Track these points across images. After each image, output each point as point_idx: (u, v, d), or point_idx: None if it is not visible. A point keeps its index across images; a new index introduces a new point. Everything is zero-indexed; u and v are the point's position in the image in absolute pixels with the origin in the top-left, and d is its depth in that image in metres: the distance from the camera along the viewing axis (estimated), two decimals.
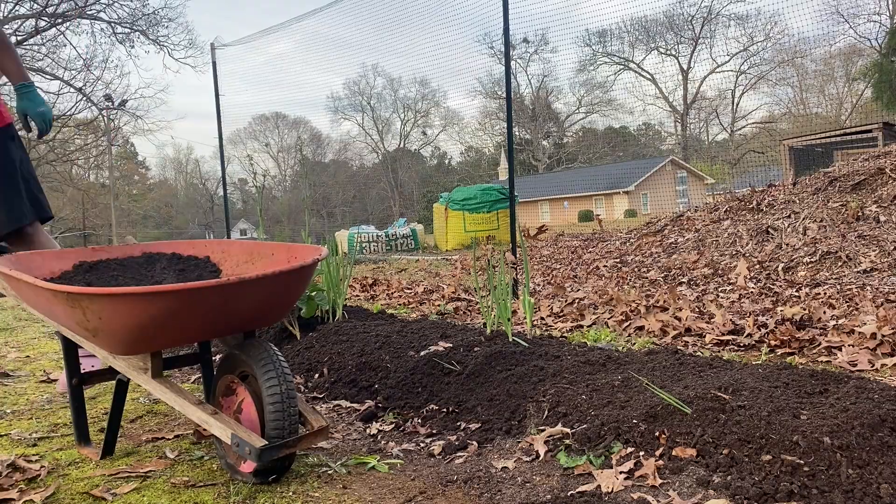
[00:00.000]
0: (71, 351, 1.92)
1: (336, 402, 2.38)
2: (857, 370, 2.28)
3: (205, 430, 1.66)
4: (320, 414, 1.77)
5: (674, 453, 1.52)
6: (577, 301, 4.13)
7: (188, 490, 1.61)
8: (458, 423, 1.99)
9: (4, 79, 2.64)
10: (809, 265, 4.77)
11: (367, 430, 2.07)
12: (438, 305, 4.36)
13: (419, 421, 2.08)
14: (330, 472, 1.70)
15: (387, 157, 54.32)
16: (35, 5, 19.45)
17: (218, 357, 2.03)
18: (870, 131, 11.93)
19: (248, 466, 1.63)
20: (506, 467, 1.67)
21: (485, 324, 2.66)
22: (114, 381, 1.95)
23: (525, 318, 2.73)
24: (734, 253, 5.64)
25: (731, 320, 3.01)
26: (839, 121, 33.01)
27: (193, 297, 1.50)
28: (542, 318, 3.71)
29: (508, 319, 2.47)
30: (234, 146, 54.38)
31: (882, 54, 21.61)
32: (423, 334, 2.72)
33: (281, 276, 1.61)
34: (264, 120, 55.32)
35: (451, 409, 2.07)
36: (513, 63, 5.21)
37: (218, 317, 1.59)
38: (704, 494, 1.37)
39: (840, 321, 2.88)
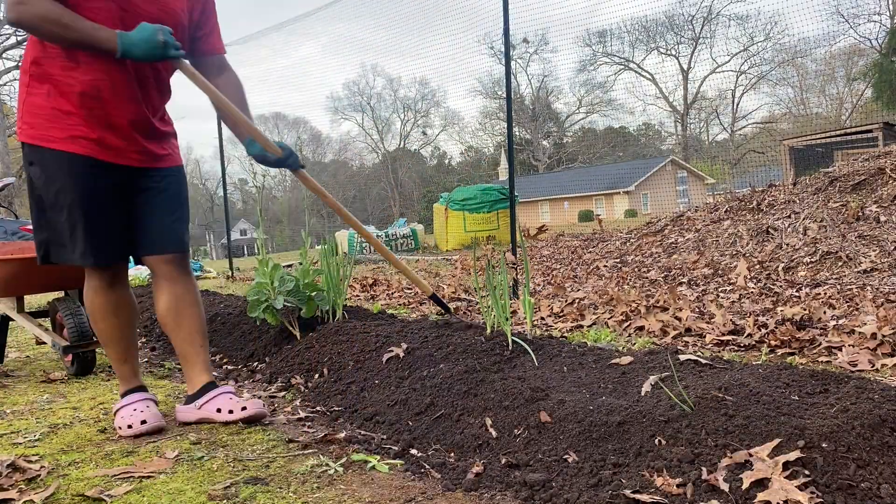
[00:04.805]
0: None
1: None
2: (858, 370, 2.28)
3: (40, 338, 3.22)
4: None
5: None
6: (577, 301, 4.13)
7: (188, 491, 1.61)
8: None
9: None
10: (810, 265, 4.77)
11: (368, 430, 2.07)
12: None
13: None
14: (330, 472, 1.70)
15: (387, 157, 54.30)
16: None
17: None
18: (870, 131, 11.93)
19: (67, 360, 3.15)
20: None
21: (485, 324, 2.66)
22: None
23: (525, 318, 2.73)
24: (734, 253, 5.63)
25: (731, 320, 3.01)
26: (839, 121, 33.00)
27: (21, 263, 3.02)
28: (543, 318, 3.71)
29: (508, 319, 2.47)
30: (234, 146, 54.15)
31: (882, 54, 21.61)
32: (424, 335, 2.72)
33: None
34: (264, 120, 55.24)
35: None
36: (513, 63, 5.21)
37: (37, 279, 3.07)
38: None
39: (840, 321, 2.88)
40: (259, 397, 2.58)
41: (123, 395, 2.22)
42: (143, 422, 2.09)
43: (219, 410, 2.16)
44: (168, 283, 2.24)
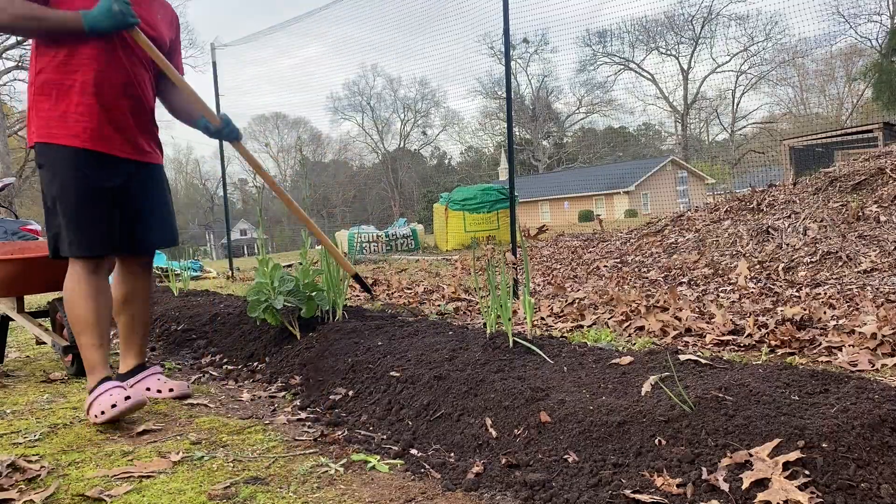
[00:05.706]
0: None
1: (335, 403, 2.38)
2: (858, 370, 2.28)
3: (40, 338, 3.20)
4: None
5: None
6: (577, 301, 4.13)
7: (188, 491, 1.61)
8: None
9: None
10: (810, 265, 4.77)
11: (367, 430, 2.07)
12: (439, 305, 4.36)
13: None
14: (330, 472, 1.70)
15: (387, 157, 54.31)
16: None
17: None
18: (870, 131, 11.94)
19: (67, 360, 3.07)
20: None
21: (485, 324, 2.66)
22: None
23: (525, 318, 2.72)
24: (734, 253, 5.64)
25: (731, 320, 3.01)
26: (839, 121, 33.02)
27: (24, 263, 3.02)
28: (543, 319, 3.71)
29: (509, 320, 2.46)
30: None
31: (882, 54, 21.63)
32: (423, 334, 2.72)
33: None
34: (264, 120, 55.35)
35: None
36: (513, 63, 5.21)
37: (37, 279, 3.07)
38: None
39: (840, 321, 2.88)
40: (259, 397, 2.58)
41: (94, 387, 2.19)
42: (128, 398, 2.11)
43: (148, 389, 2.50)
44: (132, 278, 2.53)
